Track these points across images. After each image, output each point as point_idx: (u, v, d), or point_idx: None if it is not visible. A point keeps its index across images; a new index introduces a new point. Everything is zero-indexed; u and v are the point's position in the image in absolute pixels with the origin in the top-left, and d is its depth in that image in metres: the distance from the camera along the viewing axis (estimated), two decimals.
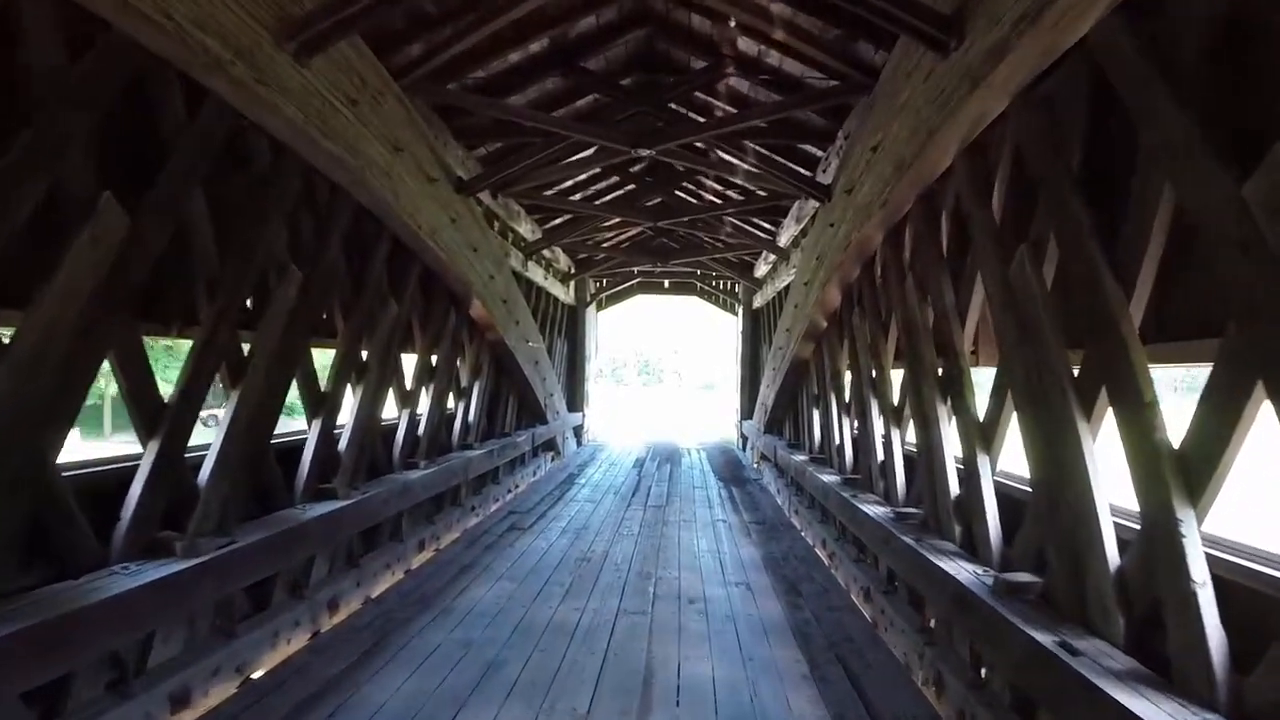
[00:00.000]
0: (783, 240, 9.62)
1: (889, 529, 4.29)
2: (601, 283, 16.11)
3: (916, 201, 4.50)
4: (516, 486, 9.50)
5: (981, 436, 3.61)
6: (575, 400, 14.93)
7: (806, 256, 7.36)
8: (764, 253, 11.82)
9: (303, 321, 4.52)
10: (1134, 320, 2.56)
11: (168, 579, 2.98)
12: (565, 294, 13.64)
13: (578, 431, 14.91)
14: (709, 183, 10.35)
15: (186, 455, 3.62)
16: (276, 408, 4.33)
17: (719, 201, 10.19)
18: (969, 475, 3.68)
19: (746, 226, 10.42)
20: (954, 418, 3.93)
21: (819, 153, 7.30)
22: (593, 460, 12.87)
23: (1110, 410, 2.63)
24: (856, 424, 5.93)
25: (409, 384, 6.43)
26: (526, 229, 9.94)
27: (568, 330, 14.42)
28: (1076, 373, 2.86)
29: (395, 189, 5.32)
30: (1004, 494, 3.60)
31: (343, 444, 5.24)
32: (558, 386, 12.22)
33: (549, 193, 9.46)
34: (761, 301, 13.44)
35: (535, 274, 10.83)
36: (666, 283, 16.80)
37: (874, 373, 5.67)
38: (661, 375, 72.13)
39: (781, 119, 7.01)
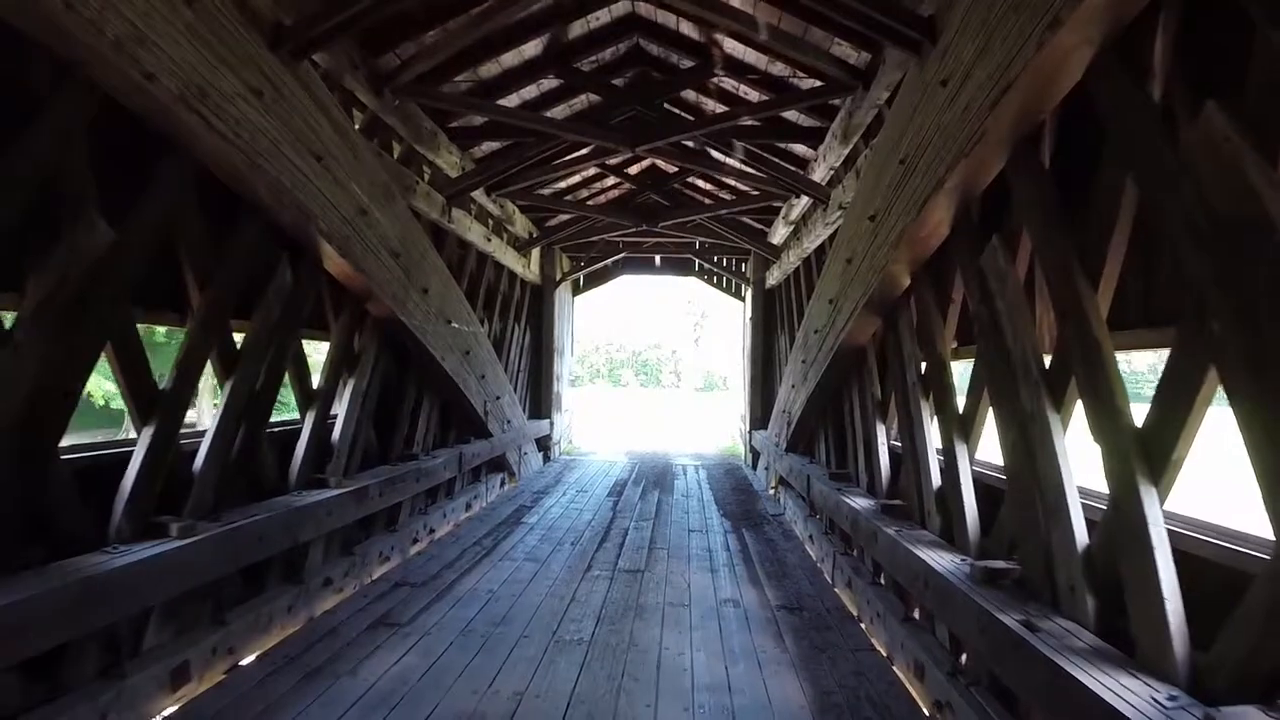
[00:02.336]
0: (819, 173, 6.80)
1: None
2: (580, 262, 13.30)
3: None
4: (431, 532, 6.68)
5: None
6: (541, 404, 12.10)
7: (878, 169, 4.55)
8: (785, 211, 9.03)
9: None
10: None
11: None
12: (525, 268, 10.82)
13: (544, 444, 12.08)
14: (709, 103, 7.54)
15: None
16: None
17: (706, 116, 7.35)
18: None
19: (762, 159, 7.48)
20: None
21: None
22: (558, 484, 10.05)
23: None
24: (1010, 466, 3.09)
25: (162, 381, 3.62)
26: (449, 161, 7.13)
27: (530, 315, 11.60)
28: None
29: None
30: None
31: None
32: (508, 388, 9.41)
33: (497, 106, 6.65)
34: (779, 277, 10.64)
35: (470, 232, 8.01)
36: (658, 259, 13.97)
37: (1044, 363, 2.89)
38: (659, 376, 69.36)
39: None
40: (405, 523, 6.21)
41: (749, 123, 6.45)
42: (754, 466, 11.81)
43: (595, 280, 14.44)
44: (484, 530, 7.03)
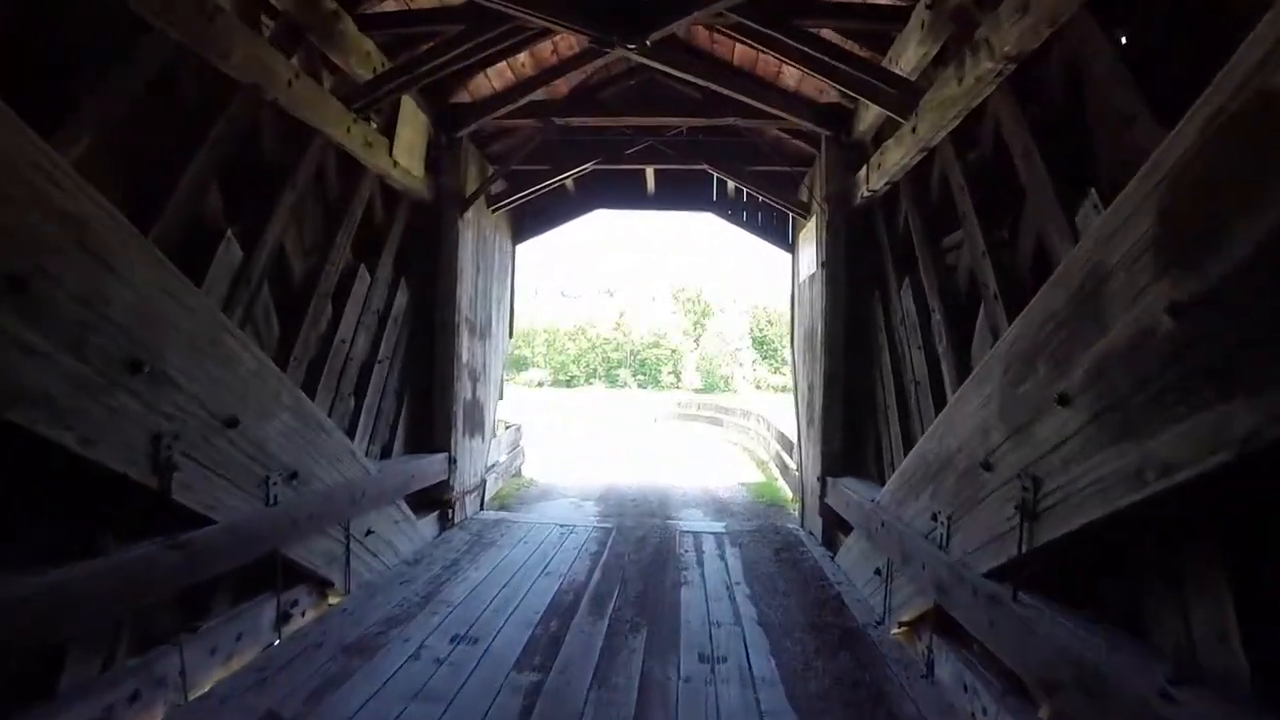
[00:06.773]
0: None
1: None
2: (508, 167, 8.13)
3: None
4: None
5: None
6: (434, 425, 6.89)
7: None
8: (905, 36, 3.95)
9: None
10: None
11: None
12: (384, 159, 5.64)
13: (437, 497, 6.90)
14: None
15: None
16: None
17: None
18: None
19: None
20: None
21: None
22: (427, 605, 4.87)
23: None
24: None
25: None
26: None
27: (409, 255, 6.46)
28: None
29: None
30: None
31: None
32: (296, 398, 4.25)
33: None
34: (899, 167, 5.37)
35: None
36: (650, 178, 8.84)
37: None
38: (658, 376, 64.92)
39: None
40: None
41: None
42: (823, 541, 6.72)
43: (547, 217, 9.29)
44: None
